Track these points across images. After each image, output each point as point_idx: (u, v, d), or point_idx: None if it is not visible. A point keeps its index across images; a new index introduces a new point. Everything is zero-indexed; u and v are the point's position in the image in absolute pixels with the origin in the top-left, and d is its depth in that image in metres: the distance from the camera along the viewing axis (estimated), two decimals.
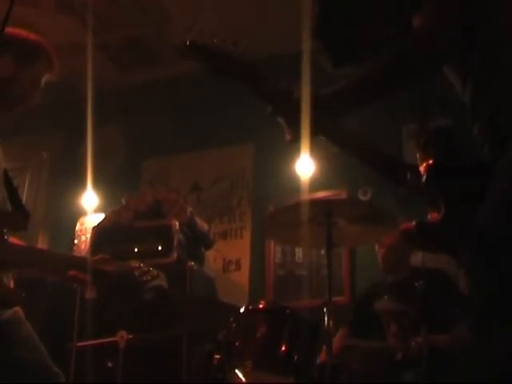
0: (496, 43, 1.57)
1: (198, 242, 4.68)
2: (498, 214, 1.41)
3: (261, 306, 3.21)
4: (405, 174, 1.75)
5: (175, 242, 4.32)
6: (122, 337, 3.49)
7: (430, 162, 1.66)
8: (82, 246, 5.25)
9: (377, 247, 3.89)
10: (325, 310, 3.01)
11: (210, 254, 5.05)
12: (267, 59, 4.95)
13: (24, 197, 5.86)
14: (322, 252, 4.37)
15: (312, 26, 1.85)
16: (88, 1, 5.13)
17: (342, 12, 1.84)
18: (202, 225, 4.78)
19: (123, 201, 4.83)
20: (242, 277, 5.23)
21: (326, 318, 3.00)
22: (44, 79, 2.62)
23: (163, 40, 5.52)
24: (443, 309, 3.35)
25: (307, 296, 4.70)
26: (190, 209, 4.74)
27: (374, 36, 1.83)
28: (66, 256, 3.27)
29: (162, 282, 2.67)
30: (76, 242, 5.37)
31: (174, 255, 4.28)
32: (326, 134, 1.82)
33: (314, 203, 3.42)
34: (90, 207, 5.69)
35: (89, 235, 4.86)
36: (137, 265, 2.67)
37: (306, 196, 4.91)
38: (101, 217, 5.09)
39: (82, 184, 5.51)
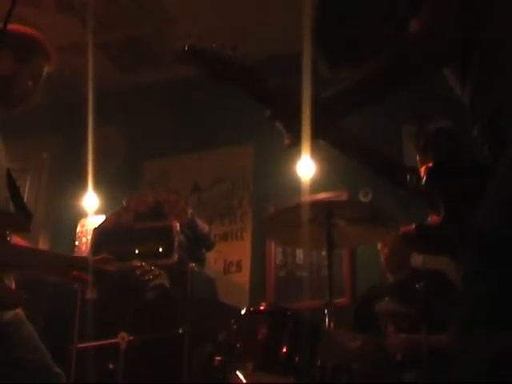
0: (496, 43, 1.56)
1: (198, 244, 4.68)
2: (497, 215, 1.40)
3: (261, 307, 3.21)
4: (405, 175, 1.75)
5: (176, 244, 4.32)
6: (123, 338, 3.49)
7: (430, 163, 1.65)
8: (83, 248, 5.25)
9: (380, 246, 3.88)
10: (326, 311, 3.01)
11: (210, 256, 5.04)
12: (267, 59, 4.98)
13: (25, 198, 5.85)
14: (323, 253, 4.36)
15: (311, 27, 1.84)
16: (88, 1, 5.13)
17: (342, 12, 1.84)
18: (203, 226, 4.78)
19: (124, 202, 4.83)
20: (243, 278, 5.23)
21: (326, 320, 3.00)
22: (44, 73, 2.61)
23: (163, 40, 5.52)
24: (443, 310, 3.34)
25: (308, 297, 4.69)
26: (190, 210, 4.73)
27: (374, 36, 1.83)
28: (67, 256, 3.27)
29: (164, 280, 2.67)
30: (77, 243, 5.37)
31: (175, 256, 4.27)
32: (326, 138, 1.82)
33: (315, 204, 3.42)
34: (91, 209, 5.69)
35: (89, 237, 4.86)
36: (138, 264, 2.67)
37: (306, 197, 4.91)
38: (101, 218, 5.08)
39: (82, 185, 5.51)
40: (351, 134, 1.84)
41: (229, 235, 5.45)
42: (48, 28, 3.45)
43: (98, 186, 5.55)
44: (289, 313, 3.12)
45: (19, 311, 2.51)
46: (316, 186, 5.06)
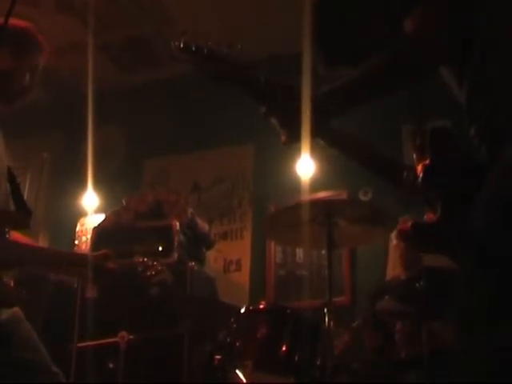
0: (493, 43, 1.56)
1: (198, 243, 4.68)
2: (494, 214, 1.40)
3: (261, 306, 3.21)
4: (403, 175, 1.75)
5: (176, 243, 4.32)
6: (123, 337, 3.49)
7: (427, 162, 1.65)
8: (83, 247, 5.25)
9: (394, 242, 3.85)
10: (325, 310, 3.02)
11: (210, 255, 5.04)
12: (267, 59, 4.99)
13: (25, 197, 5.85)
14: (323, 252, 4.36)
15: (311, 27, 1.85)
16: (88, 1, 5.13)
17: (342, 12, 1.84)
18: (203, 225, 4.78)
19: (123, 201, 4.83)
20: (243, 277, 5.23)
21: (326, 319, 3.00)
22: (40, 66, 2.61)
23: (163, 40, 5.51)
24: (444, 310, 3.35)
25: (308, 296, 4.69)
26: (190, 209, 4.73)
27: (374, 36, 1.83)
28: (67, 253, 3.27)
29: (166, 276, 2.66)
30: (76, 242, 5.37)
31: (175, 256, 4.27)
32: (323, 137, 1.82)
33: (315, 204, 3.42)
34: (91, 208, 5.69)
35: (89, 236, 4.86)
36: (140, 260, 2.66)
37: (306, 196, 4.91)
38: (101, 217, 5.08)
39: (82, 184, 5.51)
40: (348, 134, 1.85)
41: (229, 234, 5.45)
42: (48, 28, 3.44)
43: (97, 185, 5.55)
44: (288, 312, 3.12)
45: (17, 310, 2.51)
46: (316, 185, 5.06)
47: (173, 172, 5.87)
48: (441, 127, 1.71)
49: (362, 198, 4.79)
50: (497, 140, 1.49)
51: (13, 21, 2.46)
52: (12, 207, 2.46)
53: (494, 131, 1.52)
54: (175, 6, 5.24)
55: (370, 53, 1.75)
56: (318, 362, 2.96)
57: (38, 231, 5.77)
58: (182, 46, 1.81)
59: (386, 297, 3.64)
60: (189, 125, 5.81)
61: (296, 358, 2.92)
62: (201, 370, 3.50)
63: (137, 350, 3.63)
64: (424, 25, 1.63)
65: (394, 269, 4.24)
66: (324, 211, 3.18)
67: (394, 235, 3.77)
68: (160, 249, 4.28)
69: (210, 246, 4.89)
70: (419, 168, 1.68)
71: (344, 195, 4.96)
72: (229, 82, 1.85)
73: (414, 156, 1.73)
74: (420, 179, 1.66)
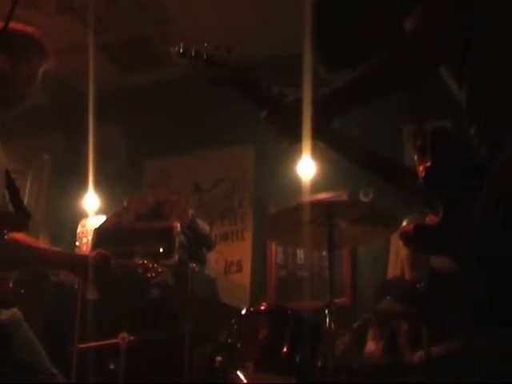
0: (493, 43, 1.56)
1: (199, 244, 4.68)
2: (494, 214, 1.40)
3: (262, 307, 3.21)
4: (404, 176, 1.75)
5: (176, 244, 4.32)
6: (124, 338, 3.48)
7: (428, 163, 1.65)
8: (84, 248, 5.24)
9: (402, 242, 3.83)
10: (326, 311, 3.01)
11: (211, 256, 5.04)
12: (267, 60, 4.98)
13: (25, 199, 5.85)
14: (324, 253, 4.37)
15: (311, 27, 1.84)
16: (88, 1, 5.13)
17: (342, 12, 1.83)
18: (204, 226, 4.78)
19: (124, 202, 4.83)
20: (244, 278, 5.23)
21: (327, 320, 3.00)
22: (41, 71, 2.60)
23: (164, 40, 5.51)
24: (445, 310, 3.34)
25: (309, 297, 4.69)
26: (191, 210, 4.73)
27: (374, 36, 1.83)
28: (68, 254, 3.26)
29: (167, 277, 2.66)
30: (77, 243, 5.36)
31: (176, 257, 4.27)
32: (324, 140, 1.82)
33: (316, 204, 3.42)
34: (92, 209, 5.69)
35: (90, 237, 4.86)
36: (141, 262, 2.67)
37: (307, 197, 4.91)
38: (102, 219, 5.08)
39: (83, 185, 5.51)
40: (348, 136, 1.85)
41: (229, 235, 5.45)
42: (48, 29, 3.44)
43: (98, 186, 5.55)
44: (289, 313, 3.12)
45: (16, 311, 2.51)
46: (316, 186, 5.06)
47: (173, 173, 5.87)
48: (441, 127, 1.70)
49: (363, 198, 4.79)
50: (497, 140, 1.49)
51: (16, 25, 2.46)
52: (11, 209, 2.46)
53: (493, 131, 1.51)
54: (175, 5, 5.24)
55: (370, 53, 1.75)
56: (319, 363, 2.96)
57: (38, 232, 5.77)
58: (181, 50, 1.82)
59: (388, 297, 3.64)
60: (189, 125, 5.81)
61: (297, 359, 2.92)
62: (201, 371, 3.50)
63: (137, 351, 3.63)
64: (424, 25, 1.63)
65: (395, 269, 4.24)
66: (325, 212, 3.17)
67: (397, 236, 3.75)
68: (161, 250, 4.31)
69: (210, 247, 4.89)
70: (420, 169, 1.68)
71: (345, 196, 4.96)
72: (229, 86, 1.85)
73: (415, 157, 1.73)
74: (421, 180, 1.66)
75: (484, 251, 1.39)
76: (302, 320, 3.08)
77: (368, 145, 1.86)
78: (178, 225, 4.41)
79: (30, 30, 2.58)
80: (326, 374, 2.88)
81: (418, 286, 3.27)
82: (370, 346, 3.63)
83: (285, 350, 2.91)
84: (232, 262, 5.32)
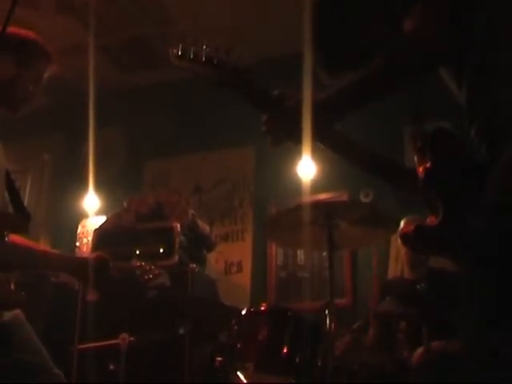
0: (492, 43, 1.56)
1: (199, 244, 4.68)
2: (494, 215, 1.40)
3: (262, 308, 3.21)
4: (404, 177, 1.75)
5: (177, 245, 4.32)
6: (124, 339, 3.48)
7: (428, 164, 1.65)
8: (84, 249, 5.25)
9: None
10: (326, 311, 3.01)
11: (211, 256, 5.04)
12: (267, 60, 4.98)
13: (26, 199, 5.86)
14: (324, 254, 4.37)
15: (311, 28, 1.84)
16: (88, 2, 5.13)
17: (342, 12, 1.83)
18: (204, 227, 4.78)
19: (124, 203, 4.83)
20: (244, 279, 5.23)
21: (327, 320, 3.00)
22: (45, 76, 2.62)
23: (164, 41, 5.51)
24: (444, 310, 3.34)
25: (309, 298, 4.69)
26: (191, 211, 4.73)
27: (374, 36, 1.82)
28: (68, 256, 3.26)
29: (164, 280, 2.66)
30: (78, 244, 5.37)
31: (176, 257, 4.27)
32: (325, 141, 1.82)
33: (316, 205, 3.42)
34: (92, 209, 5.69)
35: (90, 237, 4.85)
36: (138, 264, 2.67)
37: (307, 198, 4.91)
38: (102, 219, 5.08)
39: (83, 186, 5.51)
40: (348, 137, 1.85)
41: (230, 236, 5.45)
42: (48, 29, 3.44)
43: (98, 186, 5.55)
44: (289, 313, 3.12)
45: (19, 312, 2.51)
46: (317, 186, 5.06)
47: (174, 173, 5.87)
48: (441, 128, 1.70)
49: (363, 199, 4.79)
50: (497, 140, 1.49)
51: (19, 29, 2.48)
52: (11, 210, 2.46)
53: (493, 131, 1.51)
54: (175, 5, 5.24)
55: (371, 53, 1.74)
56: (319, 364, 2.96)
57: (39, 233, 5.77)
58: (179, 53, 1.81)
59: (388, 298, 3.64)
60: (190, 126, 5.82)
61: (297, 360, 2.92)
62: (202, 372, 3.50)
63: (138, 351, 3.63)
64: (424, 25, 1.63)
65: (395, 270, 4.24)
66: (325, 213, 3.17)
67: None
68: (161, 250, 4.31)
69: (210, 247, 4.89)
70: (420, 170, 1.67)
71: (345, 197, 4.96)
72: (228, 88, 1.85)
73: (415, 158, 1.72)
74: (422, 182, 1.66)
75: (484, 251, 1.39)
76: (302, 320, 3.08)
77: (368, 146, 1.86)
78: (179, 225, 4.41)
79: (36, 36, 2.61)
80: (326, 374, 2.88)
81: (418, 286, 3.28)
82: (370, 345, 3.63)
83: (285, 350, 2.91)
84: (232, 263, 5.33)
